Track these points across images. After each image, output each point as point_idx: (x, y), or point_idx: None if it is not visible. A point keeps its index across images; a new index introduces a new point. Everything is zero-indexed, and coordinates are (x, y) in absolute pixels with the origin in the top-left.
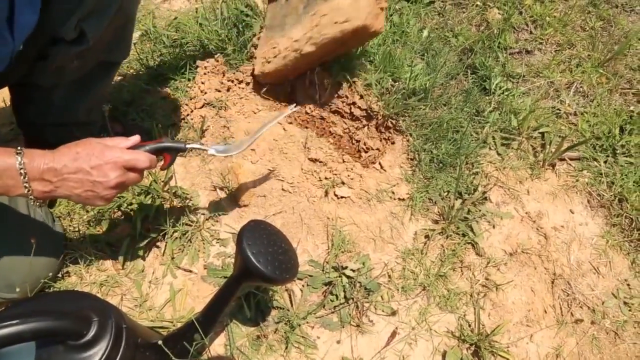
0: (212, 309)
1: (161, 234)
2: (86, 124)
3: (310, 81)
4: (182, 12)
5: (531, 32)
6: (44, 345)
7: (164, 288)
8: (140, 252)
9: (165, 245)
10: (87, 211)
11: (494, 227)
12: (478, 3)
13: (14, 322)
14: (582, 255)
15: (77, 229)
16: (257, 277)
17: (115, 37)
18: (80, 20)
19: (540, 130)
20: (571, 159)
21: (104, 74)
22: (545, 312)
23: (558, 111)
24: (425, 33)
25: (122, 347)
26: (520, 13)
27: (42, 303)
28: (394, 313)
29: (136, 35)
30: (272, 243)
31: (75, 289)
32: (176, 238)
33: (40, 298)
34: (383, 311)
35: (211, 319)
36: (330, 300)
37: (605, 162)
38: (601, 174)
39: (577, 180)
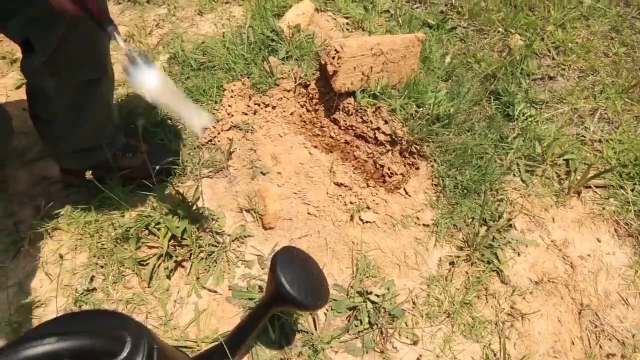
0: (241, 331)
1: (187, 254)
2: (98, 148)
3: (335, 106)
4: (210, 36)
5: (554, 59)
6: None
7: (189, 308)
8: (167, 272)
9: (191, 266)
10: (115, 229)
11: (519, 255)
12: (500, 29)
13: (52, 339)
14: (610, 285)
15: (105, 247)
16: (290, 303)
17: (84, 56)
18: (25, 27)
19: (565, 157)
20: (597, 187)
21: (90, 92)
22: (573, 343)
23: (583, 138)
24: (448, 59)
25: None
26: (543, 39)
27: (75, 322)
28: (416, 342)
29: (165, 58)
30: (305, 269)
31: (107, 309)
32: (202, 259)
33: (72, 317)
34: (407, 338)
35: (239, 341)
36: (355, 325)
37: (632, 190)
38: (629, 202)
39: (604, 209)
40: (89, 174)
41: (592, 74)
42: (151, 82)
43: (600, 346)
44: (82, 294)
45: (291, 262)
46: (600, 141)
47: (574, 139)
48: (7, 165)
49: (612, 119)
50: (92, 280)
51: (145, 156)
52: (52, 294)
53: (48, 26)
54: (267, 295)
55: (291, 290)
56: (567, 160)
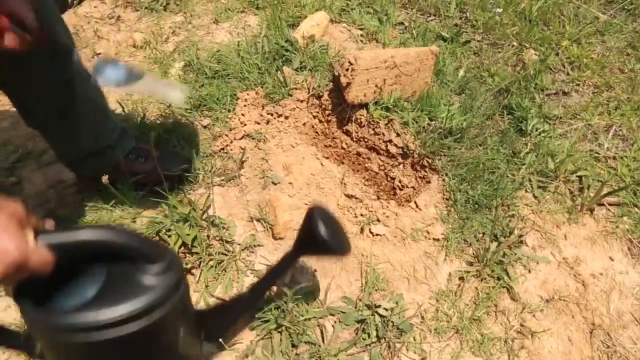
0: (269, 275)
1: (197, 262)
2: (103, 151)
3: (348, 117)
4: (225, 45)
5: (568, 74)
6: (115, 265)
7: None
8: None
9: (200, 273)
10: None
11: (529, 271)
12: (514, 43)
13: (97, 229)
14: (622, 305)
15: None
16: (322, 246)
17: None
18: None
19: (578, 173)
20: (610, 205)
21: (67, 95)
22: None
23: (597, 155)
24: (461, 72)
25: (182, 289)
26: (557, 54)
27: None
28: (424, 357)
29: (179, 65)
30: (334, 223)
31: None
32: (211, 267)
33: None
34: (415, 353)
35: (260, 291)
36: (362, 338)
37: None
38: None
39: (617, 227)
40: (105, 178)
41: (607, 90)
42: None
43: None
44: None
45: (325, 214)
46: (614, 158)
47: (588, 155)
48: (22, 166)
49: (627, 136)
50: None
51: (157, 162)
52: None
53: None
54: (298, 242)
55: (325, 234)
56: (580, 177)
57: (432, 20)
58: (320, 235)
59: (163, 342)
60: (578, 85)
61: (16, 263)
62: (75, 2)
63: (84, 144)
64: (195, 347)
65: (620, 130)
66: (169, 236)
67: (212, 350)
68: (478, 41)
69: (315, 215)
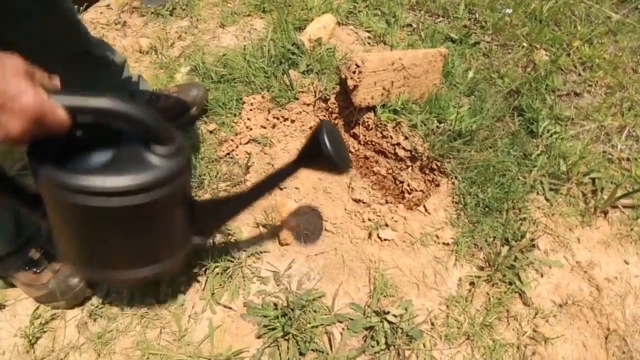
0: (262, 184)
1: (202, 269)
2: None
3: (355, 120)
4: (231, 49)
5: (580, 74)
6: (126, 141)
7: (203, 323)
8: (181, 286)
9: (206, 280)
10: None
11: (542, 276)
12: (524, 44)
13: (124, 102)
14: (638, 310)
15: None
16: (324, 158)
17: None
18: None
19: (591, 175)
20: (625, 207)
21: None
22: None
23: (610, 156)
24: (470, 74)
25: (185, 176)
26: (568, 55)
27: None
28: None
29: (185, 70)
30: (338, 139)
31: None
32: (217, 274)
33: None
34: None
35: (257, 194)
36: (371, 345)
37: None
38: None
39: (632, 229)
40: None
41: (620, 90)
42: None
43: None
44: (97, 306)
45: (331, 130)
46: (628, 159)
47: (601, 156)
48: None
49: None
50: (107, 293)
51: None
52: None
53: None
54: (301, 154)
55: (330, 148)
56: (593, 179)
57: (440, 21)
58: (325, 149)
59: (157, 222)
60: (590, 86)
61: (35, 117)
62: (81, 8)
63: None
64: (185, 236)
65: (634, 131)
66: None
67: (202, 242)
68: (487, 42)
69: (322, 129)
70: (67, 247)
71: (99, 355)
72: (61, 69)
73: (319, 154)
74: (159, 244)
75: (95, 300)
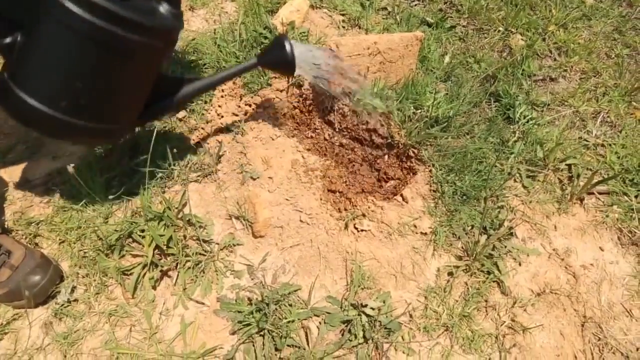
0: (222, 74)
1: (173, 263)
2: None
3: (330, 107)
4: (200, 33)
5: (555, 59)
6: None
7: (175, 320)
8: (152, 282)
9: (177, 275)
10: (99, 238)
11: (520, 264)
12: (500, 28)
13: None
14: (613, 296)
15: (87, 255)
16: (283, 59)
17: None
18: None
19: (567, 162)
20: (600, 193)
21: None
22: (576, 357)
23: (586, 142)
24: (447, 59)
25: (173, 39)
26: (544, 39)
27: None
28: (413, 357)
29: None
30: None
31: None
32: (189, 268)
33: None
34: (404, 353)
35: (216, 80)
36: (349, 339)
37: (636, 197)
38: (632, 209)
39: (607, 216)
40: (70, 167)
41: (594, 76)
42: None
43: (604, 359)
44: (63, 305)
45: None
46: (602, 145)
47: (576, 142)
48: None
49: (615, 122)
50: (73, 290)
51: None
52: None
53: None
54: (264, 54)
55: (290, 52)
56: (569, 165)
57: (416, 5)
58: (287, 52)
59: (137, 71)
60: (565, 71)
61: None
62: None
63: None
64: (140, 106)
65: (608, 116)
66: (143, 237)
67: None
68: (463, 26)
69: (285, 36)
70: (43, 82)
71: (65, 356)
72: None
73: (280, 55)
74: (124, 100)
75: (60, 299)
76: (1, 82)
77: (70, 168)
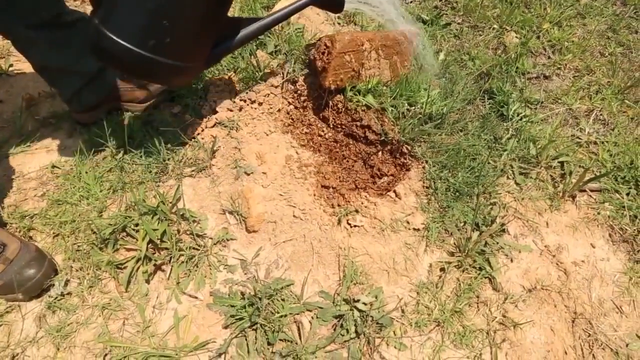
0: (277, 14)
1: (167, 257)
2: (103, 73)
3: (325, 103)
4: None
5: (549, 57)
6: None
7: (168, 314)
8: (145, 275)
9: (171, 269)
10: (93, 232)
11: (512, 260)
12: (495, 26)
13: None
14: (603, 292)
15: (80, 248)
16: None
17: None
18: None
19: (560, 159)
20: (592, 191)
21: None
22: (566, 353)
23: (578, 140)
24: (441, 56)
25: None
26: (538, 37)
27: None
28: (404, 352)
29: None
30: None
31: None
32: (182, 262)
33: None
34: (395, 347)
35: (272, 23)
36: (341, 334)
37: (627, 194)
38: (623, 206)
39: (599, 213)
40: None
41: (588, 74)
42: None
43: (594, 355)
44: (56, 298)
45: None
46: (595, 143)
47: (569, 140)
48: None
49: (607, 120)
50: (66, 284)
51: None
52: None
53: None
54: None
55: None
56: (561, 163)
57: (411, 2)
58: None
59: (212, 8)
60: (559, 69)
61: None
62: None
63: (89, 66)
64: (208, 46)
65: (601, 114)
66: (137, 231)
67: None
68: (458, 24)
69: None
70: (133, 24)
71: (58, 349)
72: (34, 33)
73: None
74: (201, 38)
75: (53, 292)
76: (92, 27)
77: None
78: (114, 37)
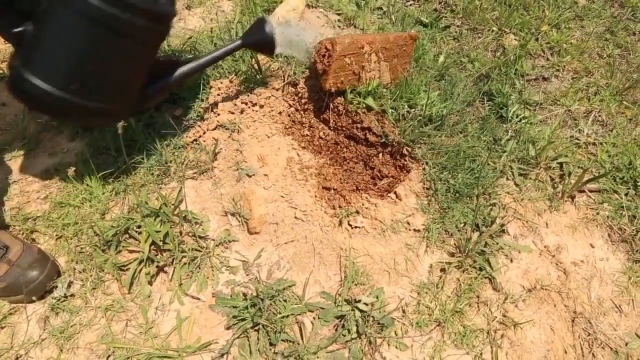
0: (210, 59)
1: (169, 259)
2: None
3: (325, 105)
4: (197, 31)
5: (548, 59)
6: None
7: (171, 315)
8: (148, 277)
9: (174, 271)
10: (96, 234)
11: (511, 261)
12: (494, 28)
13: None
14: (603, 292)
15: (83, 250)
16: (265, 40)
17: None
18: None
19: (559, 160)
20: (591, 191)
21: None
22: (566, 352)
23: (577, 141)
24: (441, 58)
25: (166, 29)
26: (537, 39)
27: None
28: (406, 351)
29: None
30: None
31: None
32: (185, 264)
33: None
34: (396, 347)
35: (203, 66)
36: (342, 334)
37: (626, 194)
38: (622, 207)
39: (598, 214)
40: (71, 171)
41: (586, 75)
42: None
43: (593, 354)
44: (59, 300)
45: (270, 22)
46: (594, 144)
47: (568, 141)
48: None
49: (606, 121)
50: (69, 285)
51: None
52: None
53: None
54: (246, 36)
55: (270, 33)
56: (560, 164)
57: (411, 5)
58: (268, 33)
59: (139, 55)
60: (558, 70)
61: None
62: None
63: None
64: (139, 88)
65: (599, 115)
66: (139, 233)
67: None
68: (458, 26)
69: (266, 18)
70: (55, 67)
71: (61, 350)
72: None
73: (260, 36)
74: (128, 81)
75: (56, 294)
76: (13, 69)
77: (71, 171)
78: (35, 80)
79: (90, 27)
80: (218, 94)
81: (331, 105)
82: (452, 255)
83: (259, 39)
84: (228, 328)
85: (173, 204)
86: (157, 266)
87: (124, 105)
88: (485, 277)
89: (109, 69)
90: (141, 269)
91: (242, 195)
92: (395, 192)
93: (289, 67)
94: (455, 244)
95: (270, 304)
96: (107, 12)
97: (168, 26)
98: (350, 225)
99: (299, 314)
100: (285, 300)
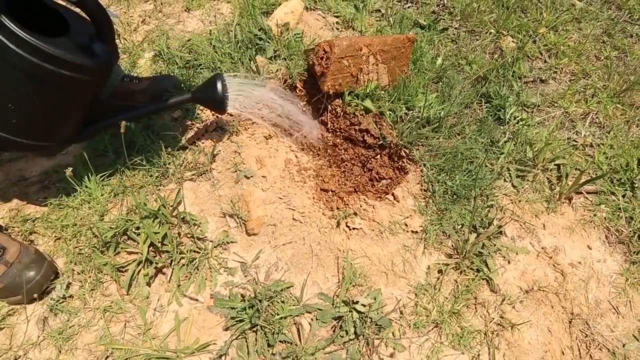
0: (155, 105)
1: (168, 261)
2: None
3: (323, 107)
4: (196, 34)
5: (545, 61)
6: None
7: (169, 316)
8: (146, 278)
9: (172, 272)
10: (94, 235)
11: (509, 262)
12: (492, 31)
13: None
14: (600, 293)
15: (82, 252)
16: (214, 99)
17: None
18: None
19: (556, 162)
20: (588, 193)
21: None
22: (563, 353)
23: (574, 143)
24: (439, 60)
25: (104, 79)
26: (535, 41)
27: None
28: (403, 353)
29: (149, 55)
30: (226, 89)
31: None
32: (183, 265)
33: None
34: (394, 348)
35: (149, 109)
36: (340, 336)
37: (623, 196)
38: (619, 208)
39: (595, 215)
40: (69, 171)
41: (584, 77)
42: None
43: (590, 356)
44: (58, 301)
45: (223, 81)
46: (591, 145)
47: (565, 143)
48: None
49: (603, 123)
50: (68, 286)
51: (151, 80)
52: None
53: None
54: (197, 91)
55: (221, 93)
56: (558, 165)
57: (409, 7)
58: (218, 93)
59: (70, 101)
60: (555, 72)
61: None
62: None
63: None
64: (75, 128)
65: (597, 117)
66: (138, 234)
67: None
68: (456, 29)
69: (219, 76)
70: None
71: (60, 351)
72: None
73: (211, 94)
74: (56, 123)
75: (55, 295)
76: None
77: (69, 172)
78: None
79: (10, 71)
80: None
81: (329, 107)
82: (449, 256)
83: (209, 97)
84: (226, 329)
85: (171, 206)
86: (155, 267)
87: (53, 142)
88: (483, 279)
89: (33, 110)
90: (140, 270)
91: (241, 197)
92: (392, 194)
93: (288, 69)
94: (452, 246)
95: (268, 305)
96: (27, 60)
97: (101, 76)
98: (348, 226)
99: (297, 315)
100: (283, 302)
